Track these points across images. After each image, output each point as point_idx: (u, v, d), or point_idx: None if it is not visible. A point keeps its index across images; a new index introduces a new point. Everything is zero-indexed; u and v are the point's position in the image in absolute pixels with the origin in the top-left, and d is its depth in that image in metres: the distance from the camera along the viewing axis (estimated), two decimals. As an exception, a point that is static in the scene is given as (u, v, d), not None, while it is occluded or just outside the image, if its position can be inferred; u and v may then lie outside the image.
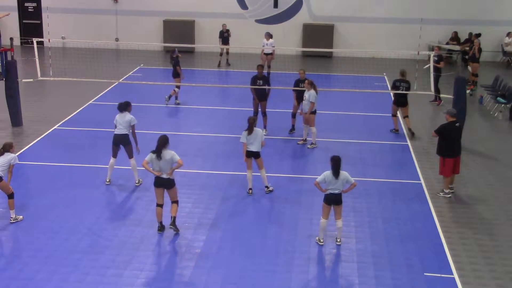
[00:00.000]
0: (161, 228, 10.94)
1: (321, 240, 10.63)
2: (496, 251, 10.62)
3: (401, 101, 16.46)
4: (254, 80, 16.11)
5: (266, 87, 16.07)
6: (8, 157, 10.97)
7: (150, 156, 10.72)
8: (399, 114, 16.89)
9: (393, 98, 16.85)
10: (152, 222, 11.12)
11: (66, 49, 27.78)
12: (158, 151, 10.65)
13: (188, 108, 18.88)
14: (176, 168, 10.72)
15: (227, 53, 24.86)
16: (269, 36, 22.72)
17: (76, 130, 16.45)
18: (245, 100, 17.78)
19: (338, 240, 10.68)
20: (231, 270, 9.75)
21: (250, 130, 12.26)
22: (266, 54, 22.38)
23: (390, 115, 16.83)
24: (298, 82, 16.06)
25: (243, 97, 18.26)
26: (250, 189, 12.54)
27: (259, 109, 16.13)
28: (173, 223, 10.83)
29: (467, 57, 23.57)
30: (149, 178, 13.03)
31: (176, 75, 18.74)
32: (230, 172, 13.57)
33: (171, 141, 10.96)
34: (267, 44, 22.46)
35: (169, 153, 10.68)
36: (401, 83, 16.34)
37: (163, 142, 10.70)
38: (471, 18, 26.49)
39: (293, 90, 16.23)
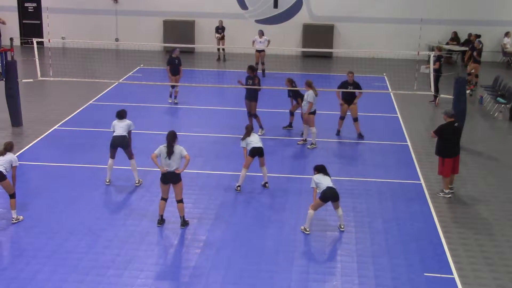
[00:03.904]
0: (161, 221, 11.09)
1: (307, 229, 10.89)
2: (496, 251, 10.61)
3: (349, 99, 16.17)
4: (246, 80, 16.31)
5: (253, 86, 16.06)
6: (9, 157, 10.96)
7: (160, 150, 10.78)
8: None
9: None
10: (152, 223, 11.13)
11: (66, 49, 27.77)
12: (169, 148, 10.70)
13: (188, 108, 18.87)
14: (186, 165, 10.84)
15: (223, 49, 25.70)
16: (262, 33, 22.95)
17: (76, 130, 16.44)
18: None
19: (342, 226, 11.06)
20: (231, 270, 9.75)
21: (248, 135, 12.52)
22: (259, 52, 22.83)
23: (388, 115, 16.81)
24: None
25: (243, 97, 18.23)
26: (239, 186, 12.67)
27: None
28: (184, 223, 11.04)
29: (465, 58, 23.56)
30: (149, 178, 13.05)
31: (177, 73, 18.79)
32: (230, 172, 13.56)
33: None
34: (260, 41, 22.71)
35: (177, 148, 10.77)
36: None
37: (173, 138, 10.77)
38: (471, 18, 26.49)
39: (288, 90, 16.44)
